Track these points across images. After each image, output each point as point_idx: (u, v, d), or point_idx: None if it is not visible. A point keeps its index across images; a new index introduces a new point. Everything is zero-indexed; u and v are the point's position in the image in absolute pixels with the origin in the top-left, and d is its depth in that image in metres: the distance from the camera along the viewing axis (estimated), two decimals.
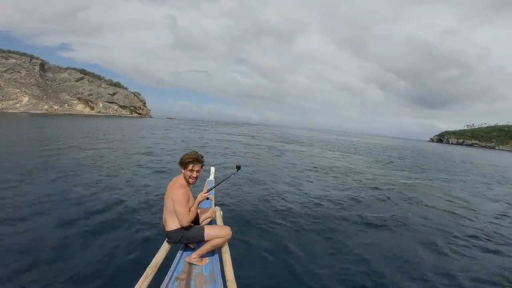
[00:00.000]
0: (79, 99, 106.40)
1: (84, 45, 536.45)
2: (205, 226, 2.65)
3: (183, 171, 2.61)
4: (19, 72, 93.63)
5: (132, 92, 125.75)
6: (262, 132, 53.09)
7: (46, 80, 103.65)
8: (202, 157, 2.68)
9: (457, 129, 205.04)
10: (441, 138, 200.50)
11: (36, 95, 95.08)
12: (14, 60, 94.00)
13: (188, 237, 2.55)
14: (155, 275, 2.12)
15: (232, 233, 2.65)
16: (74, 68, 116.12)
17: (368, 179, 11.26)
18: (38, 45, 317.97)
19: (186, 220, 2.47)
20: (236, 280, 2.10)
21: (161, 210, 2.84)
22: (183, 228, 2.52)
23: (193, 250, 2.62)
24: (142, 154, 12.73)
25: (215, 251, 2.62)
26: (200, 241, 2.57)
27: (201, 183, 4.58)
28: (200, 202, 2.71)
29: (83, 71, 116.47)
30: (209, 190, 2.91)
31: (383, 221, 5.96)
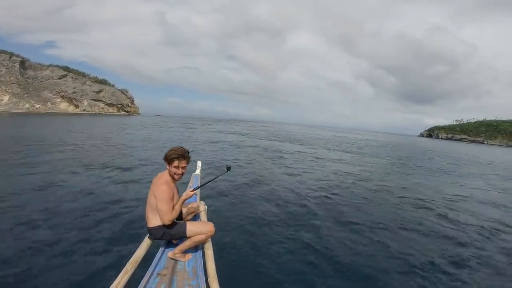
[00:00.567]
0: (62, 97, 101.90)
1: (70, 43, 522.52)
2: (188, 222, 2.55)
3: (168, 167, 2.49)
4: None
5: (119, 90, 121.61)
6: (255, 130, 50.70)
7: (27, 78, 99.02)
8: (189, 153, 2.57)
9: (446, 124, 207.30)
10: (431, 133, 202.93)
11: (17, 94, 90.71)
12: None
13: (170, 234, 2.45)
14: (135, 271, 2.06)
15: (216, 229, 2.48)
16: (57, 65, 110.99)
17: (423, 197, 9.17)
18: (21, 43, 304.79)
19: (168, 218, 2.36)
20: (218, 276, 2.07)
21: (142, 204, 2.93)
22: (165, 225, 2.41)
23: (176, 245, 2.50)
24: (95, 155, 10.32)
25: (199, 246, 2.51)
26: (183, 237, 2.47)
27: (187, 176, 3.99)
28: (184, 200, 2.59)
29: (66, 68, 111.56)
30: (195, 189, 2.71)
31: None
